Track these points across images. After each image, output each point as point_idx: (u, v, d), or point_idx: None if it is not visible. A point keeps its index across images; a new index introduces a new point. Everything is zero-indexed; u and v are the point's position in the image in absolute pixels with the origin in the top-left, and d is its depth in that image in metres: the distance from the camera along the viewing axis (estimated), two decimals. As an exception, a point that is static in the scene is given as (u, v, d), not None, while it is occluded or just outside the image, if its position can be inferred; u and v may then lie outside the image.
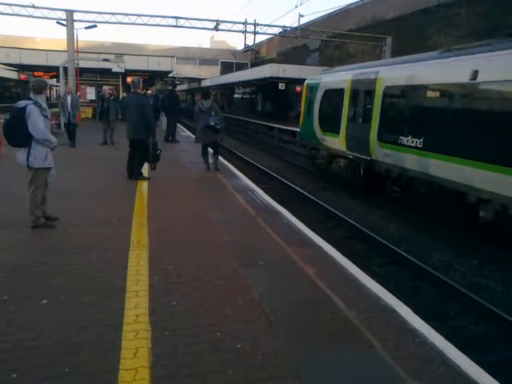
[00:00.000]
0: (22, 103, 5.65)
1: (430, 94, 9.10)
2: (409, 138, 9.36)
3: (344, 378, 3.00)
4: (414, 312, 3.98)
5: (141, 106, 9.08)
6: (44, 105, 5.74)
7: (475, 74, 7.61)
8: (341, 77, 12.87)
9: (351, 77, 12.06)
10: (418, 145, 9.09)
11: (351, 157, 11.91)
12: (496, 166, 7.14)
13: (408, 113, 9.71)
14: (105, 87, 17.17)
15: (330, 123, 13.06)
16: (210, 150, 11.18)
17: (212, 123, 10.39)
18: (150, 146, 9.20)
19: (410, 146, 9.32)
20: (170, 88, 20.05)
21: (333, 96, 13.06)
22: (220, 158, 11.67)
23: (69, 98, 14.47)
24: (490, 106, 7.57)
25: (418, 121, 9.26)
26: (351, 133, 11.86)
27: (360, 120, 11.45)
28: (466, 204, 8.02)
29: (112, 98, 16.46)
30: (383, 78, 10.49)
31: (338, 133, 12.39)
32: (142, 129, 9.10)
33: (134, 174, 9.28)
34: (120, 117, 14.25)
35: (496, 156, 7.15)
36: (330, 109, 13.32)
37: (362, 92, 11.42)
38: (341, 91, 12.40)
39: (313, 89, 14.46)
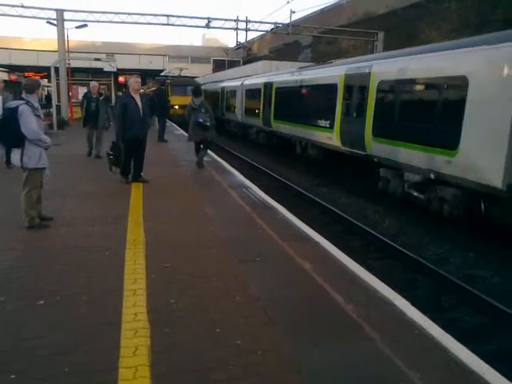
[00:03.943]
0: (13, 103, 5.62)
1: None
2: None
3: (344, 372, 3.01)
4: (412, 304, 3.99)
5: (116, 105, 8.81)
6: (36, 104, 5.70)
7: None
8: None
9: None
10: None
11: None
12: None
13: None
14: (93, 83, 12.90)
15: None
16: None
17: (201, 120, 10.32)
18: (110, 147, 8.77)
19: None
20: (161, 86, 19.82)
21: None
22: (213, 154, 11.62)
23: (0, 99, 9.90)
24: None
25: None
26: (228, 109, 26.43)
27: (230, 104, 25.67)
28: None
29: (102, 97, 12.98)
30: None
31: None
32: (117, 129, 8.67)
33: (133, 175, 8.85)
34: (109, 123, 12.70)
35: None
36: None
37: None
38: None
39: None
